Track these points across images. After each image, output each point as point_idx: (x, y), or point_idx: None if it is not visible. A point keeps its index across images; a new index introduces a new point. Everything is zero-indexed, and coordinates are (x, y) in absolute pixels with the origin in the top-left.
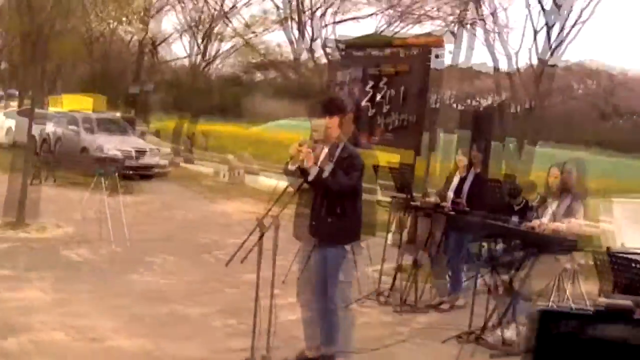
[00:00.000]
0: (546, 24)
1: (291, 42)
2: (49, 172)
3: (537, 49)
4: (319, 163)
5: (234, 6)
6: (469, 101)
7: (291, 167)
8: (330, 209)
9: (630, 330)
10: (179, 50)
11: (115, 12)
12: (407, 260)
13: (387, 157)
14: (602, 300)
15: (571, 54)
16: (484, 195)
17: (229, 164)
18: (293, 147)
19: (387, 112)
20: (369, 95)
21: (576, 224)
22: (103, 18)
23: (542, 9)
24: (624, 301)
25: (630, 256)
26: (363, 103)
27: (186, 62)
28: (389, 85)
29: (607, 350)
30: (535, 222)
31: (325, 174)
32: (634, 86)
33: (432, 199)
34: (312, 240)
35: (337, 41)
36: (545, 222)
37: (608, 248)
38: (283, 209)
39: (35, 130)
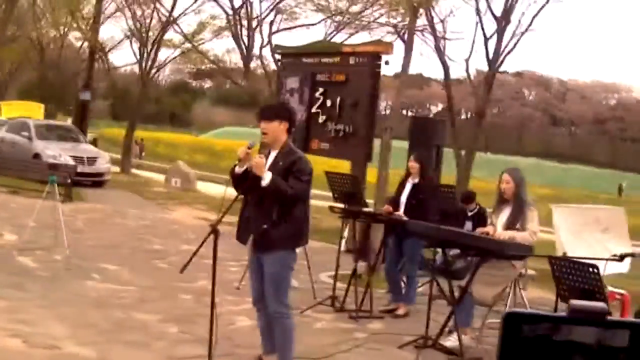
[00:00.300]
0: (496, 31)
1: (240, 49)
2: None
3: (487, 56)
4: (266, 168)
5: (176, 16)
6: (404, 111)
7: (238, 170)
8: (276, 214)
9: (602, 333)
10: (128, 57)
11: (65, 18)
12: (361, 266)
13: (335, 164)
14: (575, 302)
15: (520, 64)
16: (424, 205)
17: (174, 170)
18: (241, 150)
19: (337, 119)
20: (319, 102)
21: (529, 232)
22: (53, 23)
23: (493, 16)
24: (597, 304)
25: (587, 261)
26: (313, 110)
27: (136, 68)
28: (339, 91)
29: (579, 353)
30: (489, 228)
31: (268, 180)
32: (585, 94)
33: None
34: (256, 246)
35: (275, 48)
36: (500, 228)
37: (564, 254)
38: (224, 215)
39: None
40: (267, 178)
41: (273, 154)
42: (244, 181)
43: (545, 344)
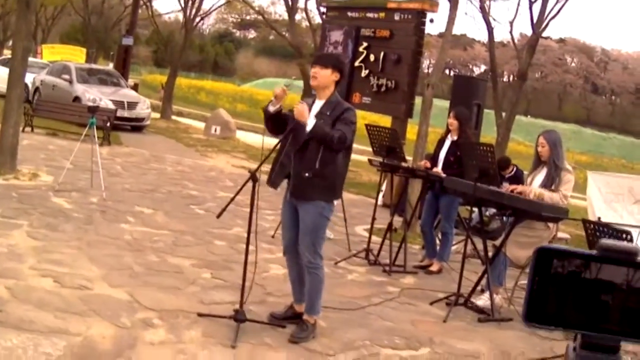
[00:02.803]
0: None
1: (285, 1)
2: (26, 122)
3: (532, 19)
4: (312, 115)
5: None
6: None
7: (272, 109)
8: (319, 163)
9: (632, 274)
10: (173, 4)
11: None
12: (397, 220)
13: (376, 119)
14: (605, 241)
15: (563, 30)
16: (462, 162)
17: (215, 118)
18: (279, 87)
19: (380, 74)
20: (362, 56)
21: (560, 194)
22: None
23: None
24: (628, 244)
25: (620, 227)
26: (356, 64)
27: (180, 16)
28: (382, 47)
29: (607, 291)
30: (523, 188)
31: (312, 126)
32: (627, 65)
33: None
34: (295, 194)
35: (320, 1)
36: (536, 189)
37: (599, 218)
38: (263, 162)
39: (28, 79)
40: (310, 124)
41: (319, 103)
42: (278, 123)
43: (575, 281)
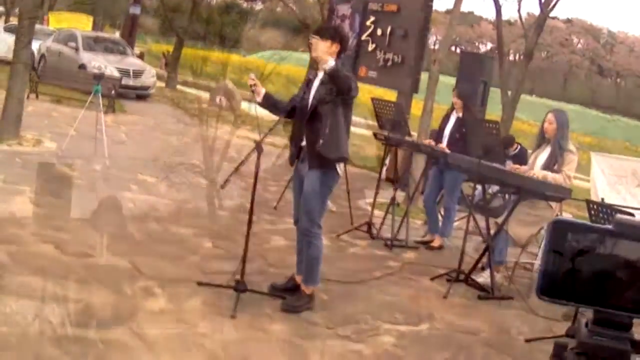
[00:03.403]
0: None
1: None
2: (31, 88)
3: None
4: (315, 87)
5: None
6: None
7: (260, 100)
8: (328, 128)
9: None
10: None
11: None
12: (400, 195)
13: (381, 93)
14: (620, 216)
15: (570, 11)
16: (465, 140)
17: (220, 88)
18: (249, 80)
19: (386, 48)
20: (369, 30)
21: (564, 175)
22: None
23: None
24: None
25: (624, 209)
26: (363, 37)
27: None
28: (389, 21)
29: (621, 267)
30: (524, 168)
31: (333, 63)
32: (634, 47)
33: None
34: (303, 163)
35: None
36: (537, 168)
37: (602, 199)
38: (268, 133)
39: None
40: (330, 65)
41: (320, 74)
42: (278, 107)
43: (589, 256)
